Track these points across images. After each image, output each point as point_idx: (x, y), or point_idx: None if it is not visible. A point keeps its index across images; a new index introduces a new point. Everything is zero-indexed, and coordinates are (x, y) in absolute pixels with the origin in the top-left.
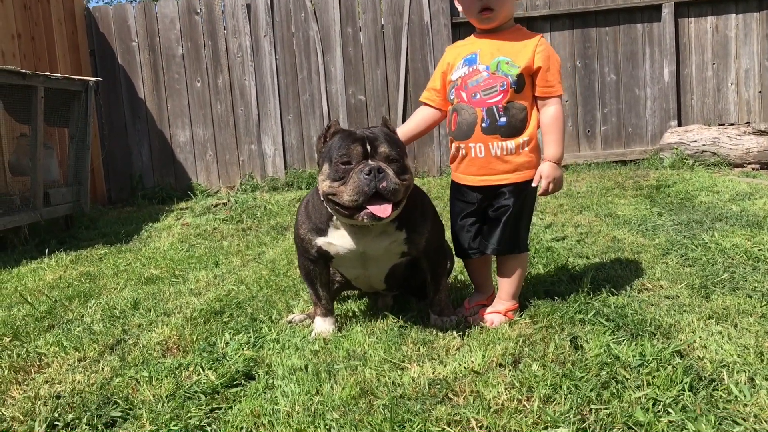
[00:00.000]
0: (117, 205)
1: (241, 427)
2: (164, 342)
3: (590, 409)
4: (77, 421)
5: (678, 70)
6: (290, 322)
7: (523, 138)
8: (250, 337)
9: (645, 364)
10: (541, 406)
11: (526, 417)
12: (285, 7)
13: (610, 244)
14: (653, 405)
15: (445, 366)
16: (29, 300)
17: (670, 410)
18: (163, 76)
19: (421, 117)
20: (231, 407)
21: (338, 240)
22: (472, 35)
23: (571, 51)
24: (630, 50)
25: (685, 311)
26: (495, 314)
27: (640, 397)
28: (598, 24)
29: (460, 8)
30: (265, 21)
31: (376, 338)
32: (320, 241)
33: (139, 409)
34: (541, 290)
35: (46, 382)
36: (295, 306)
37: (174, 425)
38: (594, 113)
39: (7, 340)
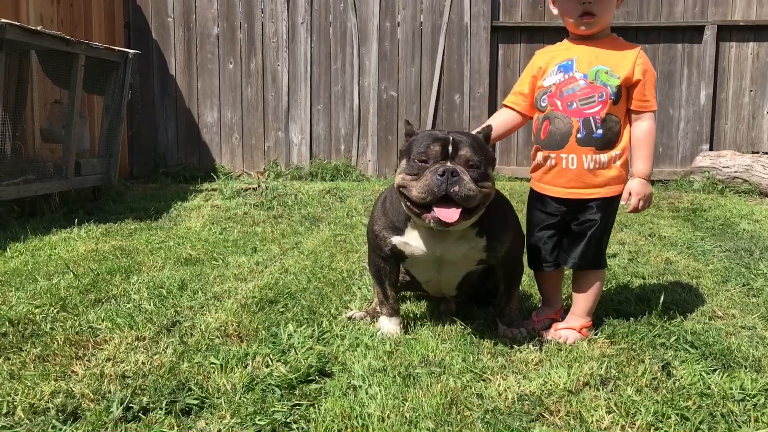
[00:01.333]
0: (139, 180)
1: (331, 428)
2: (223, 328)
3: None
4: (153, 406)
5: (714, 94)
6: (350, 318)
7: (615, 152)
8: (314, 330)
9: (747, 398)
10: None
11: None
12: None
13: (664, 266)
14: None
15: (530, 381)
16: (74, 271)
17: None
18: (196, 54)
19: (502, 120)
20: (313, 405)
21: (415, 241)
22: (565, 40)
23: None
24: (668, 70)
25: (764, 345)
26: (569, 330)
27: None
28: (638, 40)
29: (555, 11)
30: (303, 8)
31: (451, 345)
32: (396, 239)
33: (216, 398)
34: (611, 309)
35: (108, 359)
36: (351, 302)
37: (259, 419)
38: None
39: (55, 311)
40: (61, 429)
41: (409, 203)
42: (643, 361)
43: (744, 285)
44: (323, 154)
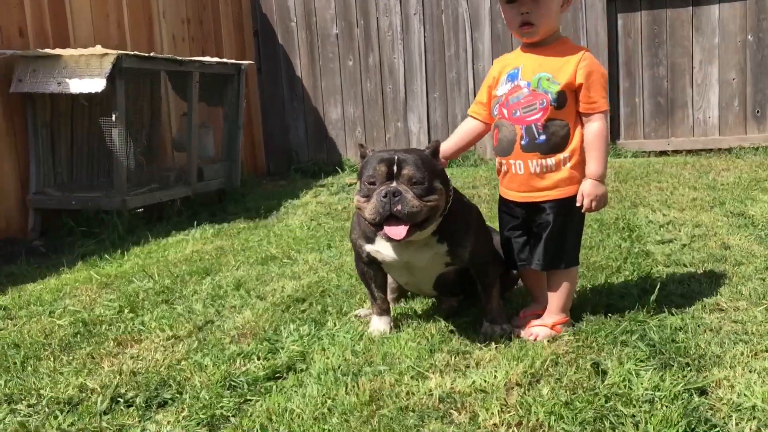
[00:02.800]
0: (275, 177)
1: (254, 424)
2: (241, 327)
3: None
4: (134, 399)
5: None
6: (357, 316)
7: (564, 154)
8: (312, 329)
9: (654, 399)
10: None
11: None
12: None
13: (716, 252)
14: None
15: (465, 379)
16: (152, 276)
17: None
18: (318, 55)
19: (466, 130)
20: (257, 401)
21: (384, 249)
22: (518, 48)
23: (742, 24)
24: None
25: (742, 341)
26: (541, 327)
27: None
28: None
29: (505, 21)
30: None
31: (417, 343)
32: (369, 248)
33: (185, 393)
34: (604, 303)
35: (132, 357)
36: (368, 300)
37: (203, 413)
38: (765, 92)
39: (125, 312)
40: (57, 417)
41: (366, 222)
42: (578, 361)
43: None
44: (442, 141)
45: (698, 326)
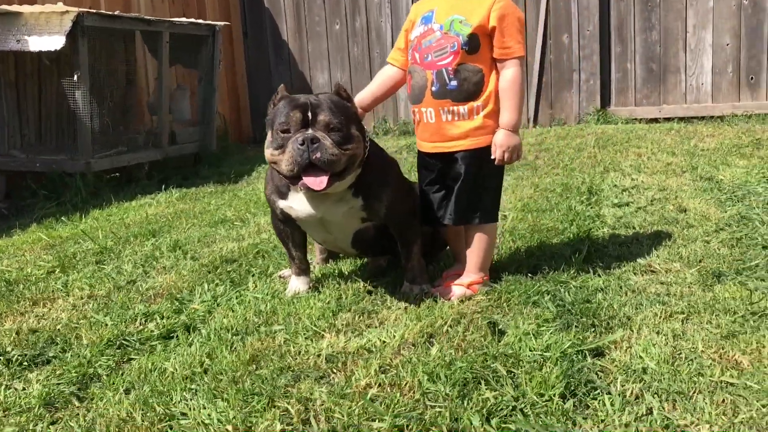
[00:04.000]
0: (260, 144)
1: (125, 380)
2: (158, 288)
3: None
4: (21, 358)
5: None
6: (281, 276)
7: (477, 103)
8: (227, 289)
9: (541, 361)
10: (387, 395)
11: (364, 407)
12: None
13: (670, 215)
14: (501, 408)
15: (361, 339)
16: (91, 237)
17: (516, 413)
18: (305, 18)
19: (383, 77)
20: (139, 359)
21: (298, 204)
22: None
23: None
24: None
25: (660, 302)
26: (457, 286)
27: (488, 398)
28: None
29: None
30: None
31: (326, 303)
32: (282, 203)
33: (70, 352)
34: (531, 264)
35: (38, 316)
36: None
37: (76, 371)
38: (760, 58)
39: (57, 271)
40: None
41: (282, 176)
42: (478, 321)
43: (733, 234)
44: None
45: (621, 287)
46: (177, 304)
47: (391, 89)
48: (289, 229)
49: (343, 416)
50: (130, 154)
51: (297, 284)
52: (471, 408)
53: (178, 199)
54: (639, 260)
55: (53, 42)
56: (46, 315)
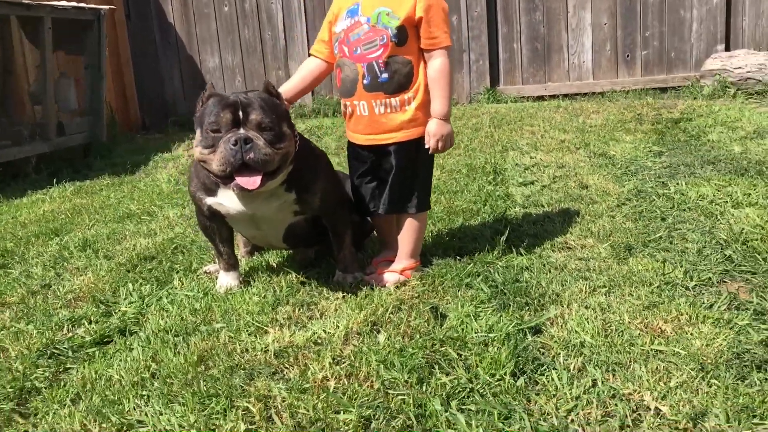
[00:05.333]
0: (151, 131)
1: (66, 393)
2: (78, 290)
3: (395, 394)
4: None
5: None
6: (206, 272)
7: (408, 94)
8: (153, 288)
9: (488, 341)
10: (347, 386)
11: (327, 400)
12: None
13: (574, 192)
14: (460, 391)
15: (306, 331)
16: None
17: (474, 395)
18: (192, 0)
19: (307, 70)
20: (79, 368)
21: (227, 201)
22: None
23: None
24: None
25: (582, 278)
26: (391, 273)
27: (445, 382)
28: None
29: None
30: None
31: (262, 297)
32: (210, 200)
33: None
34: (456, 246)
35: None
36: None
37: (12, 386)
38: (634, 36)
39: None
40: None
41: (212, 175)
42: (419, 306)
43: (636, 208)
44: (325, 89)
45: (544, 265)
46: (103, 307)
47: (315, 81)
48: (216, 225)
49: (308, 411)
50: (16, 147)
51: (227, 280)
52: (430, 393)
53: (73, 193)
54: (555, 238)
55: None
56: None
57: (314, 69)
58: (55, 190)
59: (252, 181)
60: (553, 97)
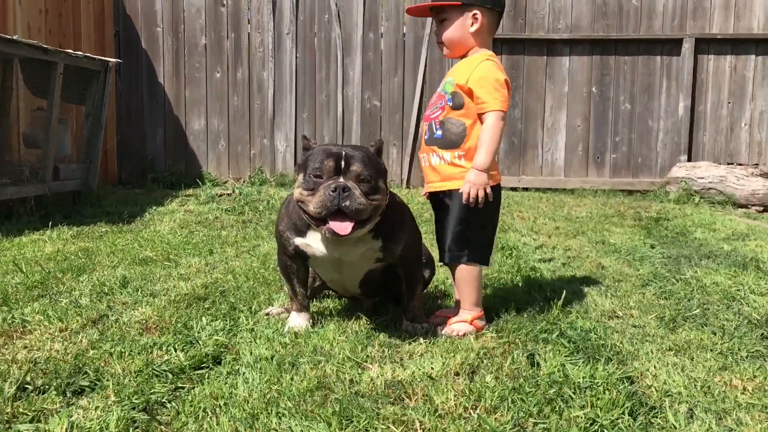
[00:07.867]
0: (127, 186)
1: (199, 407)
2: (144, 321)
3: (531, 423)
4: (47, 386)
5: (693, 106)
6: (268, 314)
7: (459, 151)
8: (226, 324)
9: (593, 386)
10: (484, 415)
11: (467, 423)
12: (310, 8)
13: (594, 270)
14: (591, 425)
15: (405, 369)
16: (23, 269)
17: (605, 430)
18: (184, 64)
19: None
20: (194, 387)
21: (315, 243)
22: None
23: (588, 77)
24: (647, 81)
25: (647, 341)
26: (462, 323)
27: (579, 416)
28: (617, 53)
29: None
30: (289, 19)
31: (346, 337)
32: (298, 240)
33: (107, 380)
34: (515, 307)
35: (25, 347)
36: (277, 299)
37: (136, 398)
38: (605, 140)
39: None
40: None
41: (307, 216)
42: (513, 353)
43: (660, 288)
44: None
45: (605, 329)
46: (183, 336)
47: None
48: (296, 266)
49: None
50: (14, 187)
51: (299, 321)
52: (565, 425)
53: (73, 237)
54: (600, 308)
55: None
56: (34, 346)
57: None
58: (52, 233)
59: (344, 227)
60: (525, 189)
